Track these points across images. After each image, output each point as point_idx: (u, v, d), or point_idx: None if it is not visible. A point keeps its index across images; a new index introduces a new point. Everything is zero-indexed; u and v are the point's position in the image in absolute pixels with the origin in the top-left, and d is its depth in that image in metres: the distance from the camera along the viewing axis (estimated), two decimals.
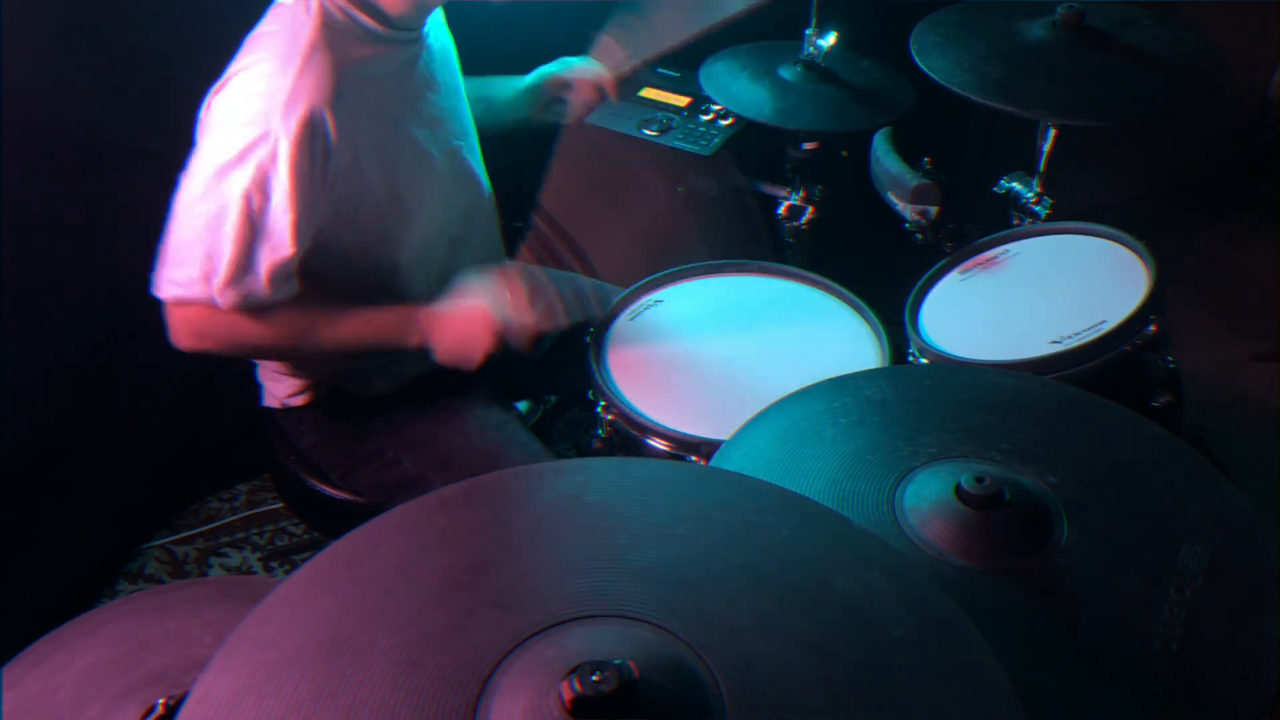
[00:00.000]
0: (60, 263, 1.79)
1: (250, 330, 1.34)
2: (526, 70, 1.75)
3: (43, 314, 1.77)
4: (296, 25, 1.29)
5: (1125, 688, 0.86)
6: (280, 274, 1.31)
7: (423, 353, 1.54)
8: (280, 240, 1.29)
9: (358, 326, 1.41)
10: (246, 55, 1.31)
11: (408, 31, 1.41)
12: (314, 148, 1.27)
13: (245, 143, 1.25)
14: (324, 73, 1.27)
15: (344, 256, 1.42)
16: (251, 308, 1.32)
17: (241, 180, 1.25)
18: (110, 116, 1.77)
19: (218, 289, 1.30)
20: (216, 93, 1.31)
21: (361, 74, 1.32)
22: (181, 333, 1.36)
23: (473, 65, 1.66)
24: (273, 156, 1.25)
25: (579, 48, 1.76)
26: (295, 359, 1.51)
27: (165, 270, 1.32)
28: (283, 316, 1.35)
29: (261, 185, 1.26)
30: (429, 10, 1.42)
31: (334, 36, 1.30)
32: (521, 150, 1.77)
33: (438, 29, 1.54)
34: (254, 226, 1.28)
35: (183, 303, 1.33)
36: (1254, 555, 0.95)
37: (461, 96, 1.58)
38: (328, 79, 1.27)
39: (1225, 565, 0.93)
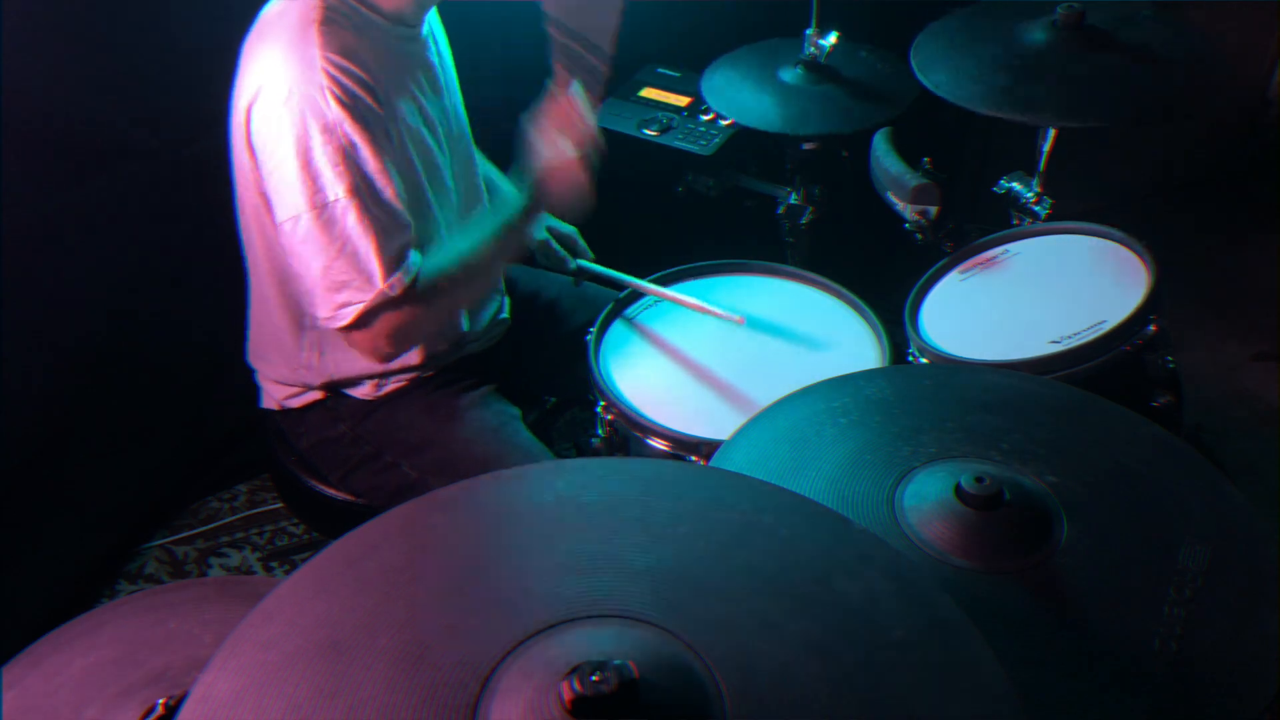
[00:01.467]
0: (60, 263, 1.79)
1: (429, 302, 1.36)
2: (525, 70, 1.75)
3: (43, 314, 1.77)
4: (299, 17, 1.30)
5: (1125, 688, 0.86)
6: (410, 243, 1.33)
7: (431, 352, 1.56)
8: (397, 209, 1.31)
9: (495, 239, 1.42)
10: (258, 52, 1.32)
11: (406, 28, 1.41)
12: (365, 110, 1.28)
13: (317, 148, 1.26)
14: (338, 49, 1.28)
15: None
16: (417, 279, 1.34)
17: (339, 182, 1.27)
18: (110, 116, 1.77)
19: (383, 280, 1.31)
20: (250, 102, 1.30)
21: (372, 51, 1.33)
22: (380, 344, 1.36)
23: (473, 66, 1.66)
24: (350, 143, 1.27)
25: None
26: (475, 301, 1.55)
27: (328, 303, 1.32)
28: (439, 274, 1.36)
29: (356, 171, 1.28)
30: (426, 8, 1.42)
31: (336, 21, 1.31)
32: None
33: (435, 29, 1.54)
34: (373, 211, 1.30)
35: (368, 315, 1.33)
36: (1254, 555, 0.95)
37: (457, 97, 1.59)
38: (345, 60, 1.28)
39: (1225, 565, 0.93)
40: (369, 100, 1.30)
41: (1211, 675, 0.86)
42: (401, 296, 1.33)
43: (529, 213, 1.43)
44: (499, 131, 1.80)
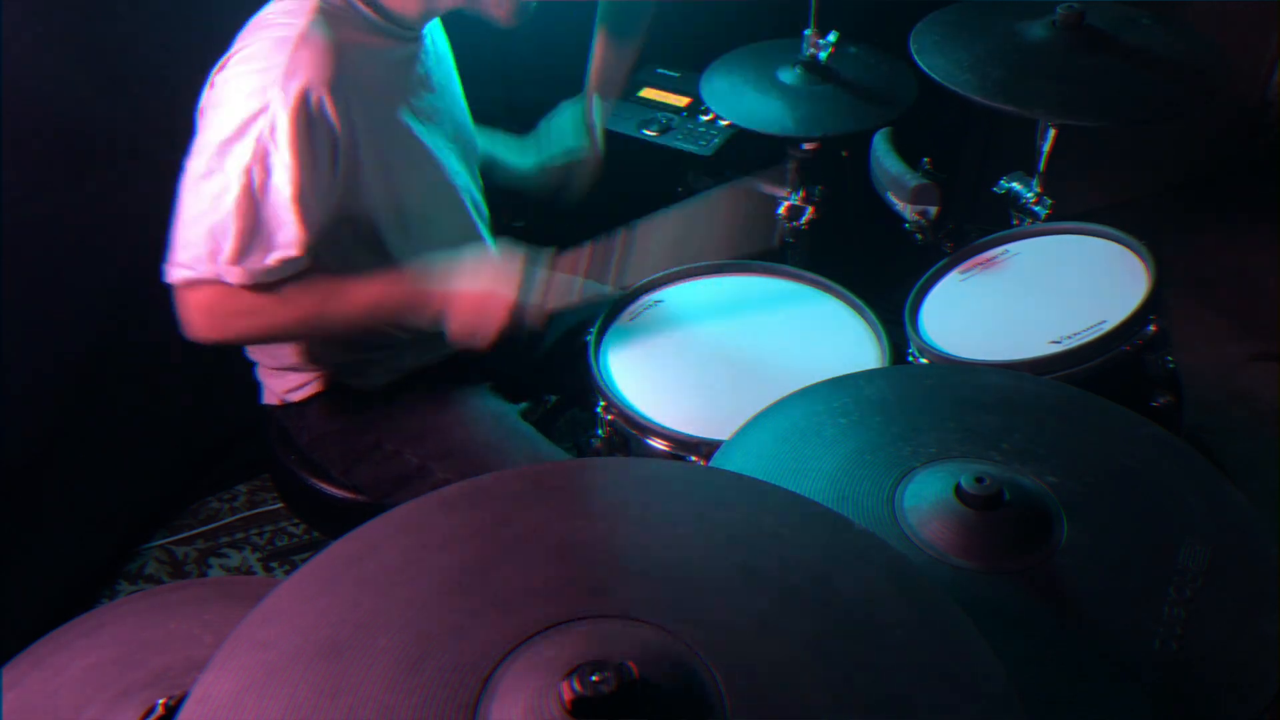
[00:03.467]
0: (60, 263, 1.79)
1: (262, 309, 1.34)
2: (522, 71, 1.76)
3: (43, 314, 1.77)
4: (295, 8, 1.31)
5: (1125, 688, 0.86)
6: (286, 248, 1.30)
7: (421, 343, 1.55)
8: (285, 215, 1.29)
9: (370, 303, 1.39)
10: (246, 37, 1.33)
11: (407, 30, 1.41)
12: (313, 121, 1.27)
13: (244, 117, 1.26)
14: (321, 49, 1.28)
15: (336, 241, 1.41)
16: (261, 284, 1.32)
17: (242, 155, 1.26)
18: (110, 116, 1.77)
19: (224, 265, 1.29)
20: (218, 71, 1.32)
21: (358, 58, 1.33)
22: (195, 320, 1.34)
23: (472, 69, 1.66)
24: (271, 129, 1.25)
25: (577, 52, 1.76)
26: (307, 337, 1.49)
27: (173, 254, 1.32)
28: (293, 293, 1.34)
29: (262, 158, 1.26)
30: (432, 15, 1.43)
31: (331, 19, 1.31)
32: None
33: (435, 32, 1.55)
34: (256, 200, 1.28)
35: (193, 285, 1.32)
36: (1254, 555, 0.95)
37: (459, 99, 1.59)
38: (326, 56, 1.28)
39: (1225, 565, 0.93)
40: (330, 108, 1.28)
41: (1211, 675, 0.86)
42: (239, 286, 1.31)
43: (421, 316, 1.40)
44: (499, 130, 1.80)
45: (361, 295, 1.39)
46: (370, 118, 1.36)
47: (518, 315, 1.40)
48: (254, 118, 1.25)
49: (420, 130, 1.45)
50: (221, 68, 1.32)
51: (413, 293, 1.40)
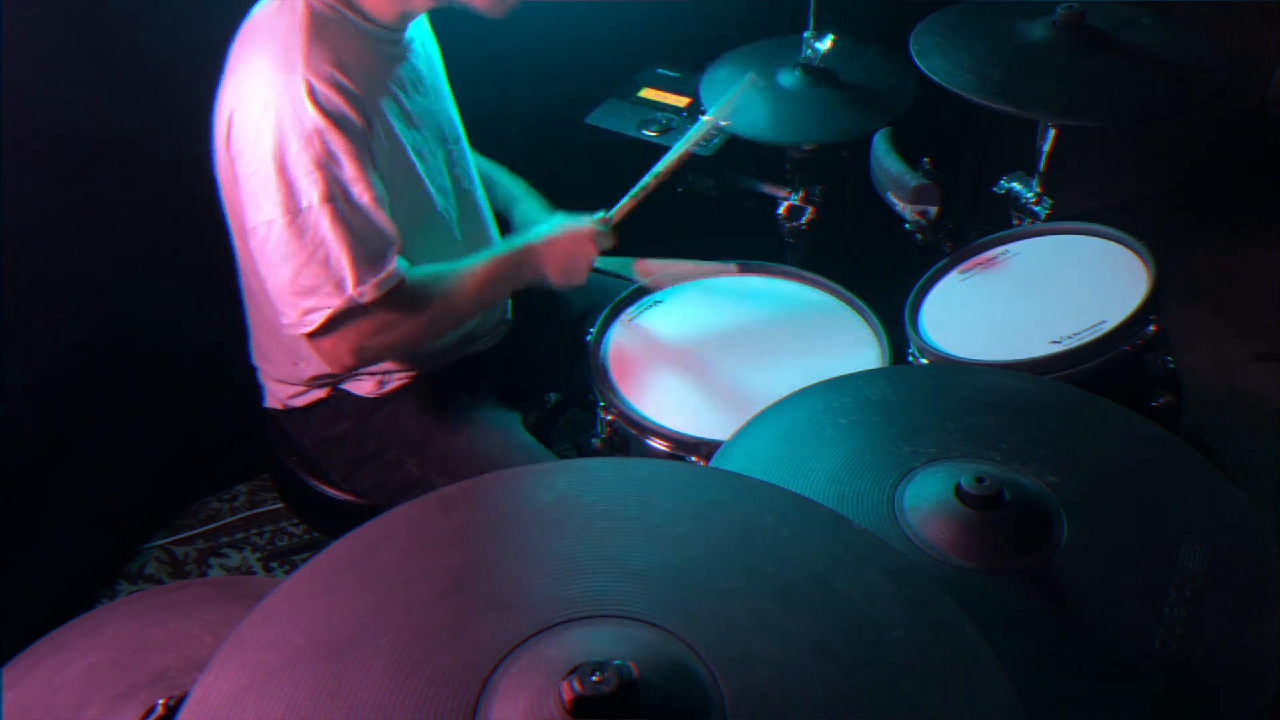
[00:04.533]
0: (61, 263, 1.79)
1: (398, 319, 1.36)
2: (520, 71, 1.75)
3: (43, 314, 1.77)
4: (286, 24, 1.31)
5: (1125, 688, 0.86)
6: (391, 249, 1.33)
7: (429, 350, 1.55)
8: (376, 220, 1.32)
9: (481, 279, 1.45)
10: (241, 51, 1.32)
11: (390, 32, 1.40)
12: (343, 124, 1.29)
13: (293, 150, 1.26)
14: (323, 59, 1.29)
15: None
16: (391, 291, 1.34)
17: (313, 186, 1.27)
18: (110, 116, 1.77)
19: (354, 290, 1.31)
20: (232, 107, 1.30)
21: (350, 62, 1.33)
22: (340, 354, 1.36)
23: (469, 72, 1.66)
24: (325, 150, 1.27)
25: (572, 51, 1.76)
26: (448, 328, 1.52)
27: (295, 308, 1.32)
28: (416, 294, 1.38)
29: (333, 180, 1.28)
30: (412, 16, 1.42)
31: (322, 28, 1.31)
32: (522, 152, 1.78)
33: (424, 35, 1.54)
34: (348, 220, 1.29)
35: (332, 321, 1.33)
36: (1254, 555, 0.95)
37: (448, 101, 1.59)
38: (329, 63, 1.29)
39: (1225, 565, 0.93)
40: (350, 111, 1.30)
41: (1211, 675, 0.86)
42: (372, 304, 1.33)
43: (523, 266, 1.49)
44: (496, 131, 1.80)
45: (471, 278, 1.45)
46: (376, 118, 1.36)
47: (600, 243, 1.52)
48: (303, 147, 1.26)
49: (403, 133, 1.44)
50: (223, 92, 1.32)
51: (510, 259, 1.48)
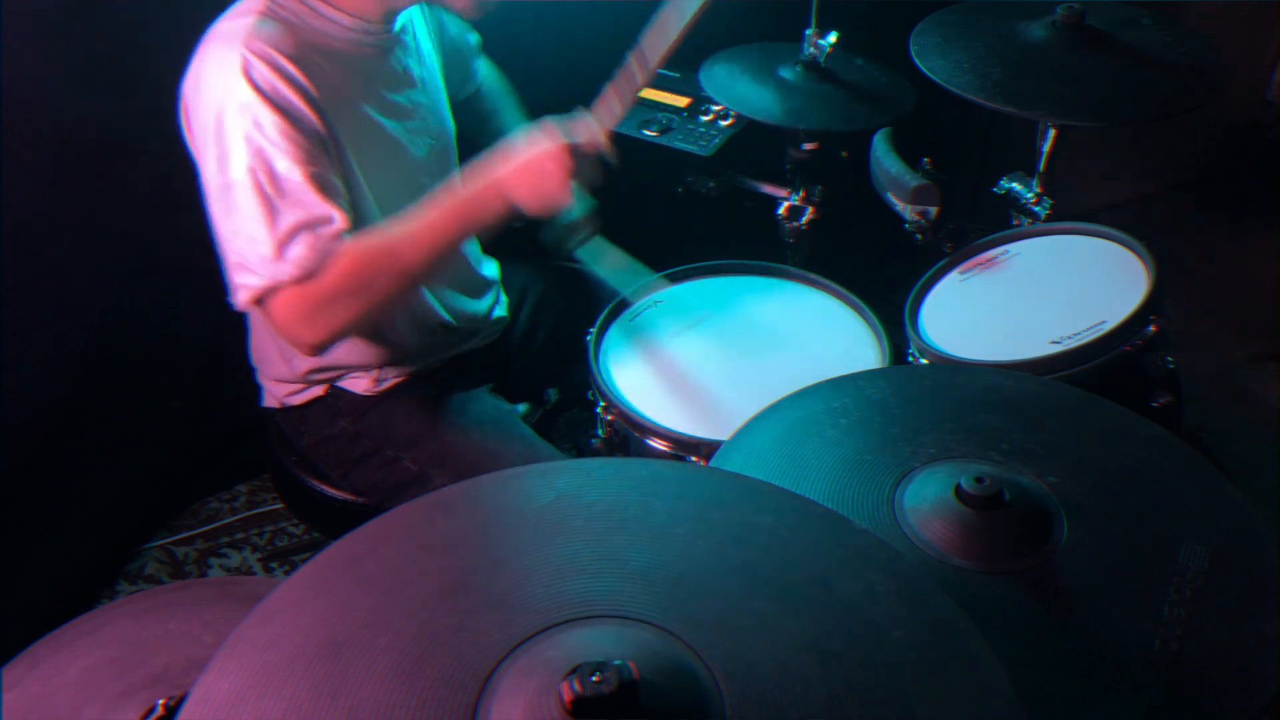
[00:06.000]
0: (60, 262, 1.79)
1: (339, 283, 1.30)
2: (528, 77, 1.75)
3: (42, 314, 1.77)
4: (243, 9, 1.32)
5: (1125, 688, 0.86)
6: (325, 225, 1.29)
7: (422, 347, 1.54)
8: (306, 197, 1.28)
9: (436, 230, 1.35)
10: (202, 46, 1.33)
11: (370, 25, 1.39)
12: (283, 106, 1.27)
13: (226, 129, 1.26)
14: (266, 40, 1.28)
15: None
16: (326, 267, 1.29)
17: (240, 159, 1.26)
18: (110, 116, 1.77)
19: (274, 261, 1.28)
20: (187, 93, 1.32)
21: (317, 48, 1.33)
22: (290, 326, 1.32)
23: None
24: (255, 123, 1.26)
25: (571, 51, 1.76)
26: (403, 288, 1.41)
27: (232, 283, 1.32)
28: (357, 262, 1.31)
29: (258, 154, 1.26)
30: (396, 11, 1.41)
31: (277, 14, 1.32)
32: None
33: (418, 29, 1.53)
34: (271, 195, 1.27)
35: (265, 296, 1.30)
36: (1254, 555, 0.95)
37: (441, 95, 1.58)
38: (271, 46, 1.28)
39: (1225, 565, 0.93)
40: (290, 92, 1.28)
41: (1211, 675, 0.86)
42: (308, 280, 1.29)
43: (485, 204, 1.36)
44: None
45: (424, 228, 1.35)
46: (334, 110, 1.35)
47: (578, 158, 1.35)
48: (234, 124, 1.26)
49: (392, 126, 1.44)
50: (190, 87, 1.32)
51: (470, 197, 1.35)
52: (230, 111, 1.26)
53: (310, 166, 1.28)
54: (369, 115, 1.40)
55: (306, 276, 1.29)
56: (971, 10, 1.85)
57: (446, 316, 1.58)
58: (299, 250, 1.28)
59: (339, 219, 1.29)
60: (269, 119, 1.26)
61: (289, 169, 1.27)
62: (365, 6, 1.37)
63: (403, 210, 1.37)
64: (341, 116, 1.36)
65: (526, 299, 1.79)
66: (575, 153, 1.34)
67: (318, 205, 1.29)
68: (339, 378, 1.56)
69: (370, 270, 1.32)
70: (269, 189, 1.27)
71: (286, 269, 1.28)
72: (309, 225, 1.28)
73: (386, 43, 1.43)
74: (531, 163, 1.34)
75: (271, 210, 1.27)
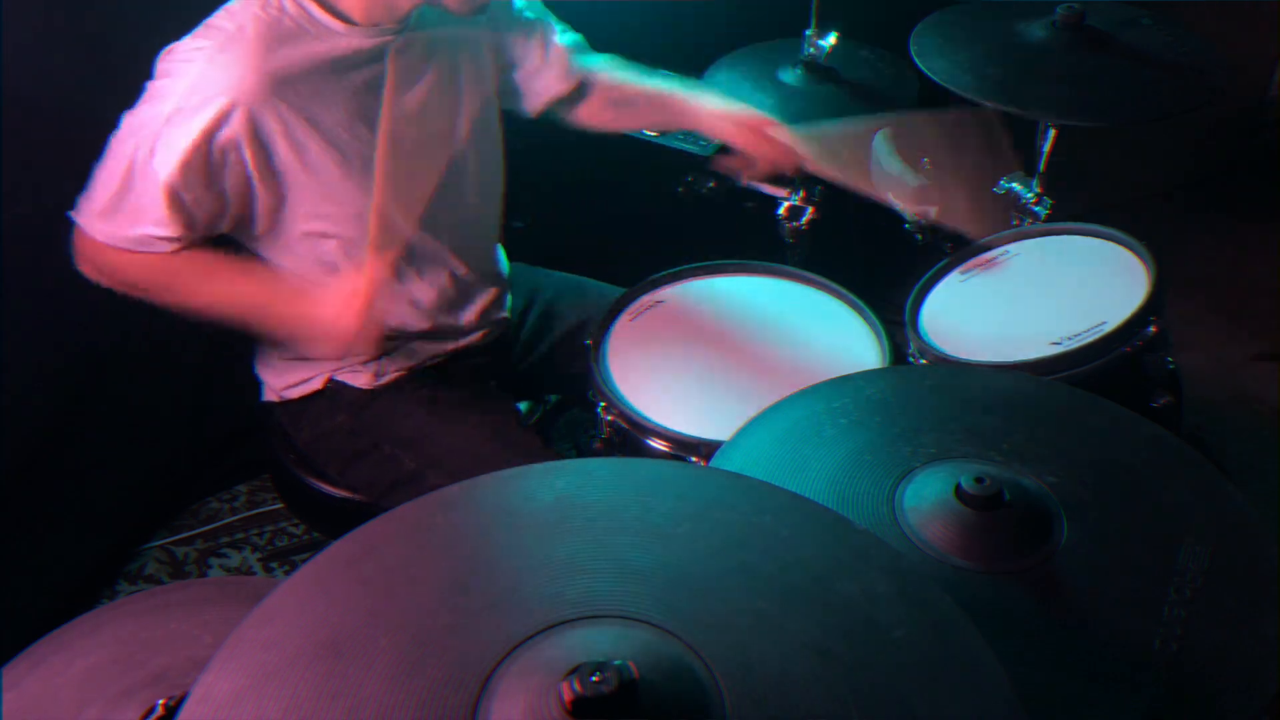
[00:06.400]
0: (60, 263, 1.78)
1: (116, 264, 1.38)
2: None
3: (42, 314, 1.77)
4: (243, 18, 1.32)
5: (1125, 688, 0.86)
6: (153, 227, 1.34)
7: (425, 341, 1.54)
8: (154, 198, 1.32)
9: (229, 294, 1.42)
10: (194, 38, 1.34)
11: (377, 26, 1.38)
12: (221, 142, 1.30)
13: (166, 106, 1.30)
14: (258, 69, 1.30)
15: (290, 250, 1.44)
16: (126, 249, 1.36)
17: (144, 132, 1.31)
18: (110, 116, 1.77)
19: (90, 218, 1.36)
20: (163, 58, 1.34)
21: (312, 69, 1.33)
22: (80, 260, 1.41)
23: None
24: (183, 132, 1.29)
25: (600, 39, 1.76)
26: (173, 307, 1.45)
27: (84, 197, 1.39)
28: (148, 263, 1.38)
29: (152, 147, 1.30)
30: (403, 10, 1.39)
31: (280, 33, 1.32)
32: (521, 151, 1.77)
33: (446, 21, 1.49)
34: (133, 173, 1.32)
35: (80, 235, 1.39)
36: (1254, 555, 0.95)
37: (461, 98, 1.55)
38: (261, 77, 1.30)
39: (1225, 565, 0.93)
40: (232, 168, 1.33)
41: (1211, 675, 0.86)
42: (110, 250, 1.37)
43: (276, 313, 1.41)
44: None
45: (221, 283, 1.42)
46: (326, 127, 1.36)
47: (372, 316, 1.36)
48: (172, 114, 1.29)
49: (358, 130, 1.43)
50: (167, 55, 1.35)
51: (272, 301, 1.42)
52: (176, 102, 1.29)
53: (181, 183, 1.31)
54: (364, 130, 1.39)
55: (111, 250, 1.37)
56: (972, 10, 1.85)
57: (457, 272, 1.57)
58: (117, 229, 1.35)
59: (167, 229, 1.34)
60: (189, 141, 1.29)
61: (162, 170, 1.31)
62: (358, 9, 1.36)
63: (437, 204, 1.43)
64: (339, 129, 1.37)
65: (534, 305, 1.79)
66: (373, 312, 1.36)
67: (159, 211, 1.33)
68: (339, 368, 1.56)
69: (148, 279, 1.39)
70: (131, 173, 1.33)
71: (98, 231, 1.36)
72: (142, 221, 1.34)
73: (395, 43, 1.40)
74: (335, 295, 1.36)
75: (120, 187, 1.33)
